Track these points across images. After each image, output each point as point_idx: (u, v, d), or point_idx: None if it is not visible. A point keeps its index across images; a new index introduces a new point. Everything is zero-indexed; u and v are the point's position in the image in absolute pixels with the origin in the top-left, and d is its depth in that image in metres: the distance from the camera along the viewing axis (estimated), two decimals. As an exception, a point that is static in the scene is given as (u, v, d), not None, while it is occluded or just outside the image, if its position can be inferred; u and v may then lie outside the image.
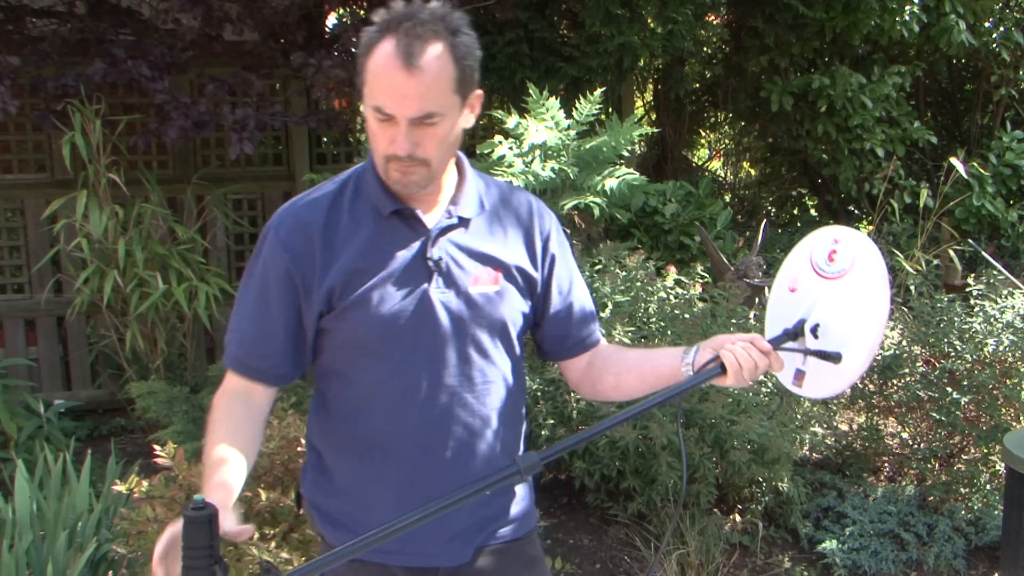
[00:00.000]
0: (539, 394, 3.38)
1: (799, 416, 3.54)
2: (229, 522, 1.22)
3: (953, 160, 5.40)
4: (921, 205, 5.35)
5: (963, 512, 3.45)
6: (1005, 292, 3.79)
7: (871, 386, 3.88)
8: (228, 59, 4.40)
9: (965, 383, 3.53)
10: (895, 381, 3.79)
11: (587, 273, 3.64)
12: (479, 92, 1.42)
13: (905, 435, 3.87)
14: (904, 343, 3.80)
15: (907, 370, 3.73)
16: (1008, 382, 3.52)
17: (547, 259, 1.54)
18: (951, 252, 5.22)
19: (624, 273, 3.62)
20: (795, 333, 1.45)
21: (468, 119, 1.41)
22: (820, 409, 3.70)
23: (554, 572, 2.80)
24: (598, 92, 4.09)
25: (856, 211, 6.77)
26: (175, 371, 4.39)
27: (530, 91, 4.06)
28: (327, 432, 1.52)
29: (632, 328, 3.36)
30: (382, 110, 1.32)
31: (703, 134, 8.70)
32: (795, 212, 7.93)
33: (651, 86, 7.67)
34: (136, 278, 4.02)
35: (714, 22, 6.37)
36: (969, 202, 5.79)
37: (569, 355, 1.61)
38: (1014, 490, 2.84)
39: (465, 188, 1.48)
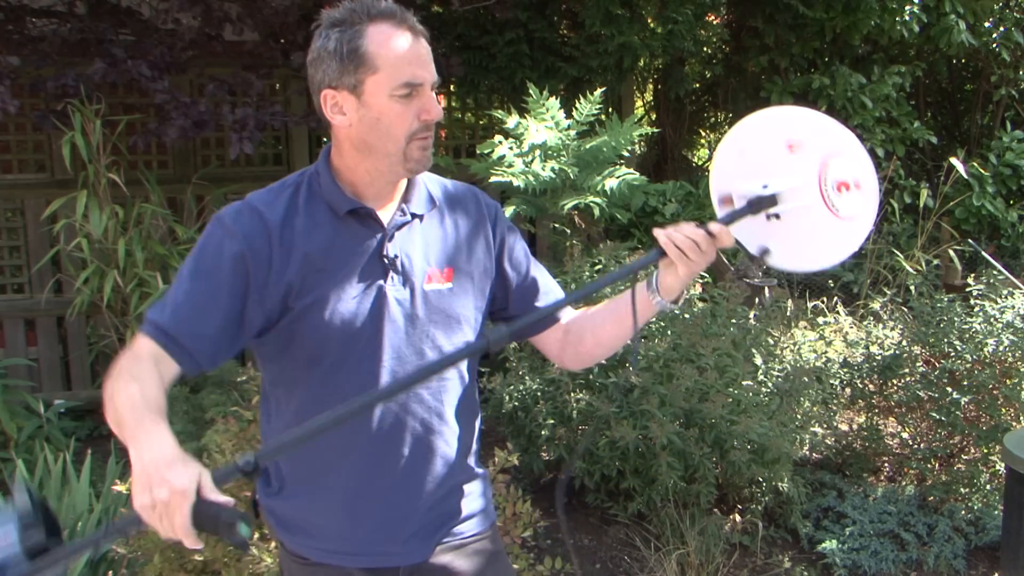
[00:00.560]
0: (539, 394, 3.38)
1: (799, 416, 3.54)
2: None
3: (953, 160, 5.40)
4: (921, 205, 5.35)
5: (963, 512, 3.45)
6: (1005, 292, 3.79)
7: (871, 386, 3.88)
8: (228, 59, 4.40)
9: (965, 383, 3.53)
10: (895, 381, 3.79)
11: (587, 273, 3.64)
12: None
13: (905, 435, 3.87)
14: (904, 343, 3.80)
15: (907, 370, 3.73)
16: (1008, 382, 3.52)
17: (498, 245, 1.56)
18: (951, 252, 5.23)
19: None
20: (767, 202, 1.40)
21: None
22: (820, 409, 3.71)
23: (554, 572, 2.80)
24: (598, 92, 4.09)
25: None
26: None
27: (530, 91, 4.06)
28: (280, 433, 1.49)
29: (632, 328, 3.35)
30: (412, 82, 1.36)
31: (703, 134, 8.70)
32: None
33: (651, 86, 7.67)
34: (136, 278, 4.02)
35: (714, 22, 6.37)
36: (969, 202, 5.80)
37: (543, 328, 1.60)
38: (1014, 490, 2.84)
39: (416, 184, 1.49)
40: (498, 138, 3.96)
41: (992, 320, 3.61)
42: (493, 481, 2.61)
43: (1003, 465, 3.20)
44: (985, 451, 3.60)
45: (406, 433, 1.45)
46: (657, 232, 1.37)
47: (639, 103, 7.59)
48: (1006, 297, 3.75)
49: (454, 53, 4.96)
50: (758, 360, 3.57)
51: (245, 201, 1.44)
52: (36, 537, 1.14)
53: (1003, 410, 3.57)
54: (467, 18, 5.16)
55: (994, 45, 6.10)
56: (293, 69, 4.26)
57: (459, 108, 5.69)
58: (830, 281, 5.58)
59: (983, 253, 4.96)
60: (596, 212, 3.83)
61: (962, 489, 3.56)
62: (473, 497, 1.58)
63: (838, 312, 4.58)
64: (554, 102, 4.04)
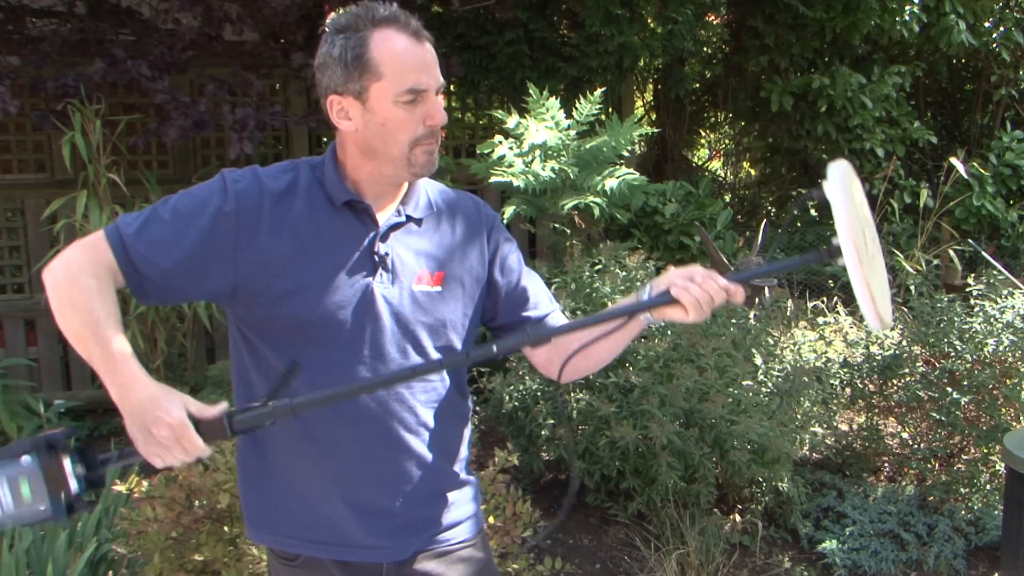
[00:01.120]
0: (539, 394, 3.38)
1: (799, 416, 3.54)
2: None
3: (953, 160, 5.40)
4: (921, 205, 5.35)
5: (963, 512, 3.45)
6: (1005, 292, 3.79)
7: (871, 386, 3.88)
8: (228, 59, 4.40)
9: (965, 383, 3.53)
10: (895, 381, 3.79)
11: (587, 273, 3.64)
12: None
13: (905, 435, 3.87)
14: (904, 343, 3.80)
15: (907, 370, 3.73)
16: (1008, 382, 3.52)
17: (490, 253, 1.56)
18: (951, 252, 5.23)
19: (624, 273, 3.62)
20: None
21: None
22: (820, 409, 3.71)
23: (554, 572, 2.80)
24: (598, 92, 4.10)
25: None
26: (175, 371, 4.39)
27: (530, 91, 4.06)
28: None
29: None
30: (416, 88, 1.37)
31: (703, 134, 8.71)
32: (795, 212, 7.93)
33: (651, 86, 7.67)
34: (136, 278, 4.02)
35: (714, 22, 6.37)
36: (969, 202, 5.80)
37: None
38: (1014, 490, 2.84)
39: (416, 188, 1.50)
40: (498, 138, 3.96)
41: (992, 320, 3.61)
42: (493, 481, 2.61)
43: (1003, 465, 3.20)
44: (985, 451, 3.60)
45: (384, 432, 1.46)
46: (678, 292, 1.36)
47: (639, 103, 7.59)
48: (1006, 297, 3.75)
49: (454, 53, 4.96)
50: (758, 360, 3.57)
51: (251, 169, 1.46)
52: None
53: (1003, 410, 3.57)
54: (467, 18, 5.16)
55: (994, 45, 6.10)
56: (293, 69, 4.26)
57: (459, 108, 5.69)
58: (830, 281, 5.58)
59: (983, 253, 4.96)
60: (596, 212, 3.83)
61: (962, 489, 3.56)
62: (459, 504, 1.57)
63: (838, 312, 4.58)
64: (554, 102, 4.04)
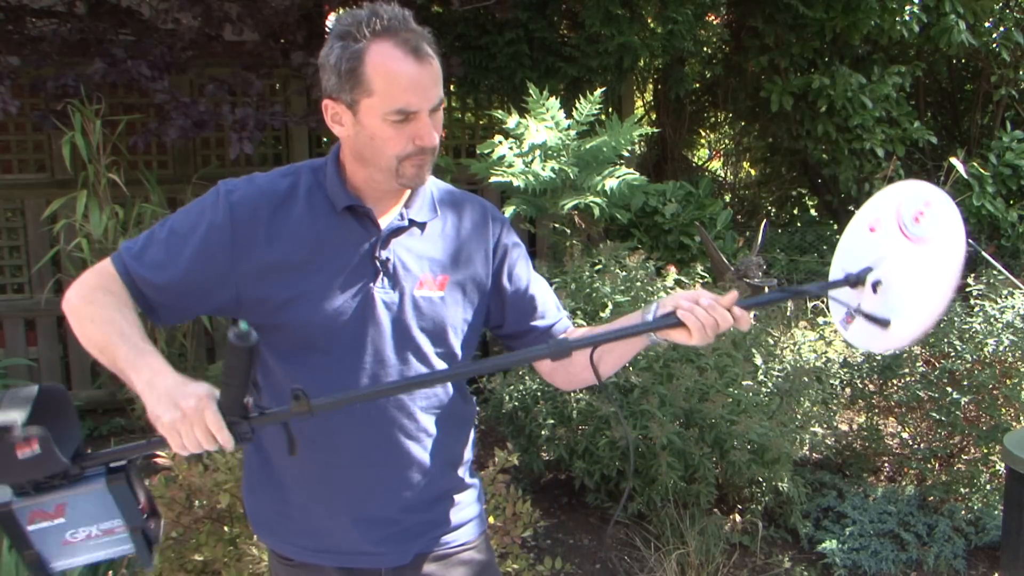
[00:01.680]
0: (539, 394, 3.38)
1: (799, 416, 3.54)
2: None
3: (953, 160, 5.40)
4: (921, 205, 5.34)
5: (963, 512, 3.45)
6: (1005, 292, 3.79)
7: (871, 386, 3.88)
8: (228, 59, 4.40)
9: (965, 383, 3.53)
10: (895, 381, 3.79)
11: (587, 273, 3.64)
12: None
13: (905, 435, 3.87)
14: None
15: (907, 370, 3.73)
16: (1008, 382, 3.52)
17: (497, 259, 1.55)
18: (951, 252, 5.22)
19: (624, 273, 3.62)
20: (856, 280, 1.42)
21: None
22: (820, 409, 3.71)
23: (554, 572, 2.80)
24: (598, 92, 4.10)
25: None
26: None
27: (530, 91, 4.06)
28: (264, 430, 1.48)
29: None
30: (405, 110, 1.33)
31: (703, 134, 8.71)
32: (795, 212, 7.94)
33: (651, 86, 7.67)
34: (136, 278, 4.02)
35: (714, 22, 6.37)
36: (969, 202, 5.79)
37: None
38: (1014, 490, 2.84)
39: (419, 192, 1.49)
40: (498, 138, 3.96)
41: (992, 320, 3.61)
42: (493, 481, 2.61)
43: (1003, 465, 3.20)
44: (985, 451, 3.60)
45: (385, 439, 1.45)
46: (683, 315, 1.35)
47: (639, 103, 7.59)
48: (1006, 297, 3.75)
49: (454, 53, 4.96)
50: (758, 360, 3.57)
51: (249, 177, 1.45)
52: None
53: (1003, 410, 3.57)
54: (467, 18, 5.16)
55: (994, 45, 6.10)
56: (293, 69, 4.26)
57: (459, 108, 5.69)
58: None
59: (983, 253, 4.96)
60: (596, 212, 3.83)
61: (962, 489, 3.56)
62: (462, 507, 1.57)
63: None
64: (554, 102, 4.04)
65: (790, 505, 3.41)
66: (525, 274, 1.57)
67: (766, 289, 4.29)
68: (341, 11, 1.40)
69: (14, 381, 4.23)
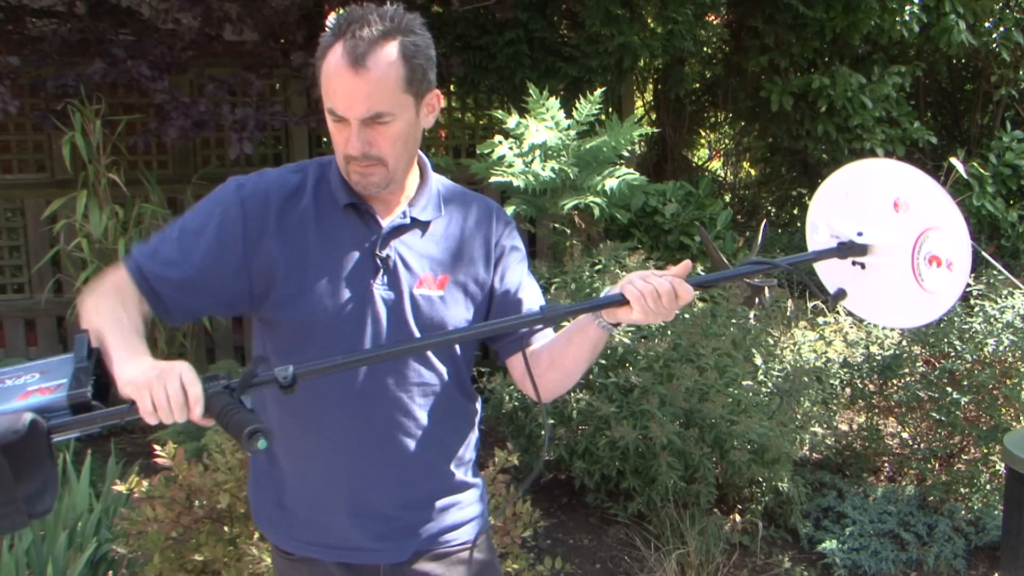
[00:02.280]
0: (539, 394, 3.37)
1: (799, 416, 3.54)
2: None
3: (953, 160, 5.40)
4: (921, 205, 5.35)
5: (963, 512, 3.45)
6: (1005, 292, 3.79)
7: (871, 386, 3.88)
8: (228, 59, 4.40)
9: (965, 383, 3.53)
10: (895, 381, 3.79)
11: (587, 273, 3.64)
12: (437, 92, 1.43)
13: (905, 435, 3.87)
14: (904, 343, 3.80)
15: (907, 370, 3.73)
16: (1008, 382, 3.52)
17: (498, 263, 1.55)
18: (951, 252, 5.22)
19: (624, 273, 3.62)
20: (847, 251, 1.43)
21: (427, 119, 1.43)
22: (820, 409, 3.71)
23: (554, 572, 2.80)
24: (598, 92, 4.09)
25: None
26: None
27: (530, 91, 4.06)
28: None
29: (632, 328, 3.36)
30: (334, 112, 1.35)
31: (703, 134, 8.71)
32: (795, 212, 7.93)
33: (651, 86, 7.67)
34: (136, 278, 4.02)
35: (714, 22, 6.37)
36: (969, 202, 5.80)
37: (508, 352, 1.56)
38: (1014, 490, 2.84)
39: (424, 191, 1.50)
40: (498, 138, 3.96)
41: (992, 320, 3.61)
42: (493, 481, 2.61)
43: (1003, 465, 3.20)
44: (985, 451, 3.60)
45: (381, 435, 1.46)
46: (624, 286, 1.34)
47: (639, 103, 7.59)
48: (1006, 297, 3.75)
49: (454, 53, 4.96)
50: (758, 360, 3.57)
51: (259, 172, 1.47)
52: (83, 394, 1.18)
53: (1003, 410, 3.57)
54: (467, 18, 5.16)
55: (994, 45, 6.09)
56: (293, 69, 4.26)
57: (459, 108, 5.69)
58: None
59: (983, 253, 4.96)
60: (596, 212, 3.83)
61: (962, 489, 3.56)
62: (462, 506, 1.57)
63: (838, 312, 4.58)
64: (554, 102, 4.04)
65: (790, 505, 3.41)
66: (517, 278, 1.56)
67: (766, 290, 4.29)
68: (341, 11, 1.41)
69: (14, 381, 4.22)
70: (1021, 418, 3.58)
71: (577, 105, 4.06)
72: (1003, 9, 6.14)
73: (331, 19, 1.39)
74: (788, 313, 4.33)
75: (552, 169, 3.84)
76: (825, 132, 5.81)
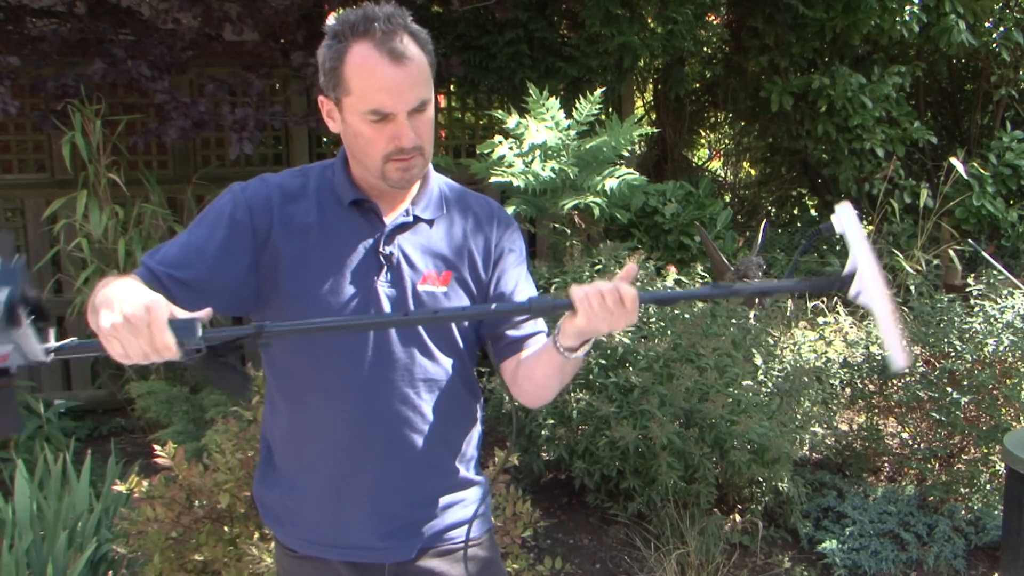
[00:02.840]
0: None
1: (799, 416, 3.54)
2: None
3: (953, 160, 5.40)
4: (921, 205, 5.35)
5: (963, 512, 3.45)
6: (1005, 292, 3.79)
7: (871, 386, 3.88)
8: (228, 59, 4.40)
9: (965, 383, 3.53)
10: (895, 381, 3.79)
11: (587, 273, 3.64)
12: None
13: (905, 435, 3.87)
14: (904, 343, 3.80)
15: (907, 370, 3.73)
16: (1008, 382, 3.52)
17: (496, 264, 1.55)
18: (951, 252, 5.23)
19: (624, 273, 3.61)
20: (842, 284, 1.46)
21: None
22: (820, 409, 3.71)
23: (554, 572, 2.80)
24: (598, 92, 4.09)
25: (856, 211, 6.77)
26: (175, 371, 4.39)
27: (530, 91, 4.06)
28: (273, 424, 1.54)
29: (632, 328, 3.36)
30: (380, 110, 1.35)
31: (703, 134, 8.71)
32: (795, 212, 7.93)
33: (651, 86, 7.67)
34: (136, 278, 4.02)
35: (714, 22, 6.37)
36: (969, 202, 5.80)
37: (501, 356, 1.56)
38: (1014, 490, 2.84)
39: (427, 189, 1.51)
40: (498, 138, 3.96)
41: (992, 320, 3.61)
42: (493, 481, 2.61)
43: (1003, 465, 3.20)
44: (985, 451, 3.60)
45: (388, 431, 1.46)
46: (571, 290, 1.32)
47: (639, 103, 7.59)
48: (1006, 297, 3.75)
49: (454, 53, 4.96)
50: (758, 360, 3.57)
51: (261, 176, 1.49)
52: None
53: (1003, 410, 3.57)
54: (467, 18, 5.16)
55: (994, 45, 6.10)
56: (293, 69, 4.26)
57: (459, 108, 5.69)
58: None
59: (983, 253, 4.96)
60: (596, 212, 3.83)
61: (962, 489, 3.56)
62: (466, 504, 1.57)
63: (838, 312, 4.58)
64: (554, 102, 4.04)
65: (790, 505, 3.41)
66: (513, 280, 1.56)
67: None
68: (341, 11, 1.41)
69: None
70: (1021, 418, 3.58)
71: (577, 105, 4.06)
72: (1003, 9, 6.14)
73: (330, 21, 1.39)
74: (788, 313, 4.33)
75: (552, 169, 3.84)
76: (825, 132, 5.81)
